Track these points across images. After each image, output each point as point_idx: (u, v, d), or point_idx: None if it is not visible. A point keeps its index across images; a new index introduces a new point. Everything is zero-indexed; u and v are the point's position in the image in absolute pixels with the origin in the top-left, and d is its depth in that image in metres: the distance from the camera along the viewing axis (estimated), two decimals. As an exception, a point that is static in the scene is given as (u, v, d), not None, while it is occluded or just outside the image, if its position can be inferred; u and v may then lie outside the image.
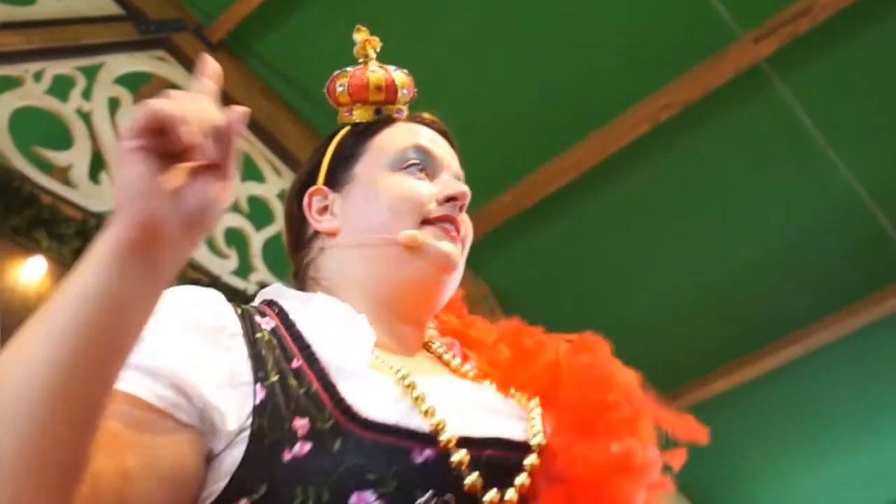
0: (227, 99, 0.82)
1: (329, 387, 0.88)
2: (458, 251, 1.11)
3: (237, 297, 4.79)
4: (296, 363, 0.89)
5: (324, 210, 1.13)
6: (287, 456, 0.82)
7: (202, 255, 4.87)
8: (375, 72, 1.15)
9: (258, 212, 5.29)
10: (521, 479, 0.87)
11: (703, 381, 6.28)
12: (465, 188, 1.12)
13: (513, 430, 0.93)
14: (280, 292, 1.06)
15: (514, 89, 5.12)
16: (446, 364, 1.10)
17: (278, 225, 5.39)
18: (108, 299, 0.69)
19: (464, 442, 0.86)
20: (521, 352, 1.06)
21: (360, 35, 1.20)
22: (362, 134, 1.15)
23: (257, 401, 0.85)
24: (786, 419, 6.33)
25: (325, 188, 1.14)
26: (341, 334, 0.95)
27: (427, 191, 1.11)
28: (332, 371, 0.90)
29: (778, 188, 5.32)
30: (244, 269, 5.04)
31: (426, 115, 1.19)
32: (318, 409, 0.85)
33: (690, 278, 5.76)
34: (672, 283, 5.80)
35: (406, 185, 1.09)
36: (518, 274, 5.94)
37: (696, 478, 6.81)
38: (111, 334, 0.70)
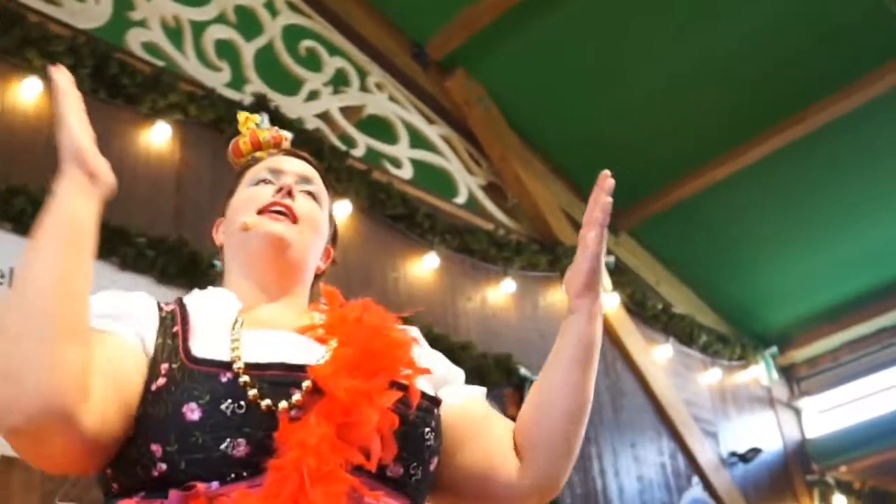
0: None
1: (184, 341, 1.25)
2: (290, 230, 1.45)
3: (233, 109, 4.84)
4: (175, 328, 1.28)
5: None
6: (153, 387, 1.20)
7: (194, 69, 4.83)
8: (243, 136, 1.62)
9: (246, 22, 5.21)
10: (296, 396, 1.19)
11: (701, 172, 6.34)
12: (289, 181, 1.49)
13: (299, 359, 1.26)
14: (193, 292, 1.46)
15: None
16: (310, 324, 1.43)
17: (268, 35, 5.33)
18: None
19: (250, 366, 1.21)
20: (342, 315, 1.40)
21: (241, 116, 1.64)
22: (239, 175, 1.58)
23: (153, 354, 1.25)
24: (783, 205, 6.43)
25: (223, 217, 1.56)
26: (214, 308, 1.37)
27: (266, 191, 1.48)
28: (191, 331, 1.28)
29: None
30: (238, 81, 5.00)
31: (288, 149, 1.61)
32: (175, 355, 1.23)
33: (688, 68, 5.74)
34: (669, 73, 5.79)
35: (250, 191, 1.50)
36: (513, 72, 5.91)
37: (697, 267, 6.99)
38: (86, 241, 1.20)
